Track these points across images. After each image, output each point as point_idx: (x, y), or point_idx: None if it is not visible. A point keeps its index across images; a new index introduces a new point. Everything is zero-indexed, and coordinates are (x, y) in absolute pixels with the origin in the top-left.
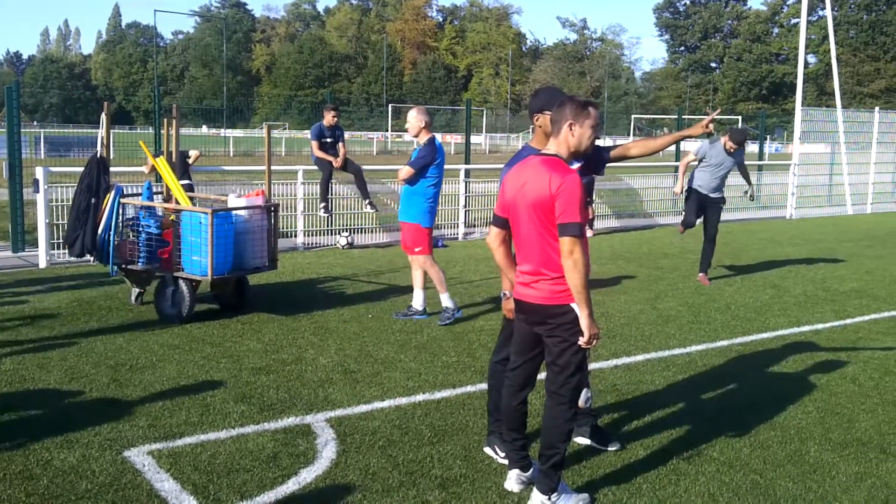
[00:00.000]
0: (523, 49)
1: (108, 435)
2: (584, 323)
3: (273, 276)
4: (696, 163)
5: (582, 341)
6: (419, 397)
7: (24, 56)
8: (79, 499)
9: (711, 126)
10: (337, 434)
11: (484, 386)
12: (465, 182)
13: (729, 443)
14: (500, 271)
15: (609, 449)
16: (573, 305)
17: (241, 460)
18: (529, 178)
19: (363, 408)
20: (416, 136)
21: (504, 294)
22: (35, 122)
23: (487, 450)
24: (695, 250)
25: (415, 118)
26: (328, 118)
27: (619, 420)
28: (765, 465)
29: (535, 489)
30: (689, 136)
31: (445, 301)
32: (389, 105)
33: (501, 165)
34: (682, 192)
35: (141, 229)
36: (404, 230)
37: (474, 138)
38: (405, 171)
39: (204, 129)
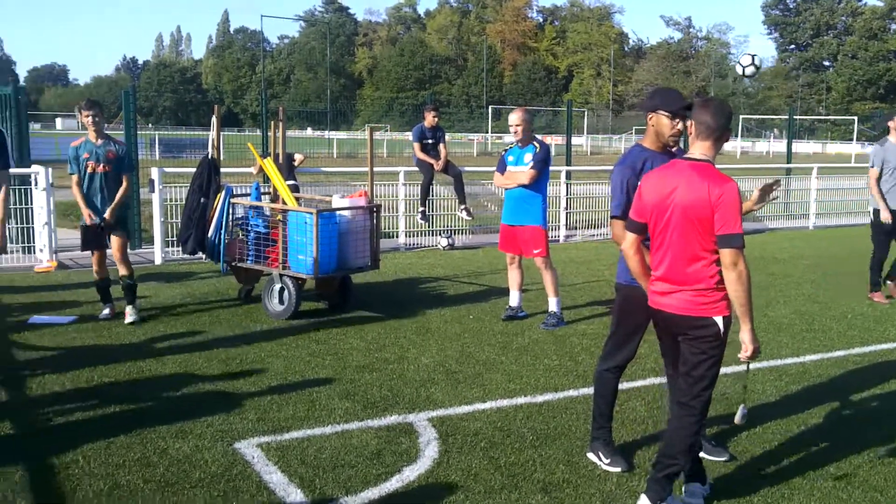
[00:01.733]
0: (625, 49)
1: (220, 426)
2: (747, 337)
3: (375, 275)
4: (879, 173)
5: (744, 355)
6: (521, 400)
7: (140, 61)
8: (192, 487)
9: (773, 194)
10: (439, 434)
11: (587, 390)
12: (566, 184)
13: (847, 458)
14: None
15: (719, 460)
16: (716, 319)
17: (345, 456)
18: (681, 184)
19: (465, 408)
20: (523, 136)
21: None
22: (150, 125)
23: (591, 455)
24: (807, 255)
25: (523, 119)
26: (429, 119)
27: (730, 430)
28: (886, 483)
29: (643, 495)
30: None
31: (553, 305)
32: (489, 106)
33: (603, 167)
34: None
35: (250, 228)
36: (522, 233)
37: (575, 140)
38: (530, 173)
39: (308, 131)
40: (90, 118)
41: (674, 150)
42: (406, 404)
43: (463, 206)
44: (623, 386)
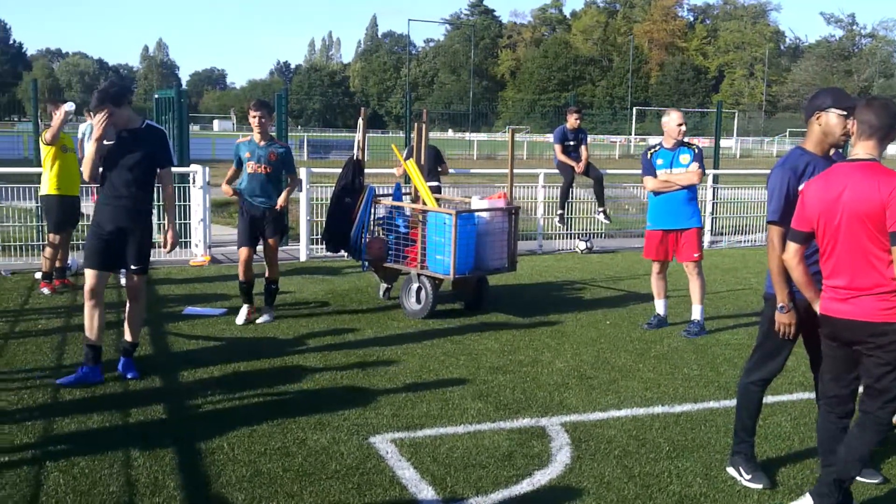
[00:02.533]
0: (781, 48)
1: (356, 420)
2: None
3: (512, 277)
4: None
5: None
6: (658, 409)
7: (292, 66)
8: (328, 478)
9: None
10: (571, 439)
11: (728, 402)
12: (713, 188)
13: None
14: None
15: (871, 482)
16: None
17: (477, 456)
18: (848, 185)
19: (599, 415)
20: (682, 137)
21: (781, 307)
22: (299, 127)
23: (731, 470)
24: None
25: (682, 120)
26: (571, 121)
27: (882, 451)
28: None
29: (809, 494)
30: None
31: (698, 313)
32: (633, 108)
33: (753, 171)
34: None
35: (391, 228)
36: (681, 237)
37: (724, 142)
38: (699, 173)
39: (450, 132)
40: (256, 119)
41: (832, 154)
42: (539, 408)
43: (601, 209)
44: (768, 399)
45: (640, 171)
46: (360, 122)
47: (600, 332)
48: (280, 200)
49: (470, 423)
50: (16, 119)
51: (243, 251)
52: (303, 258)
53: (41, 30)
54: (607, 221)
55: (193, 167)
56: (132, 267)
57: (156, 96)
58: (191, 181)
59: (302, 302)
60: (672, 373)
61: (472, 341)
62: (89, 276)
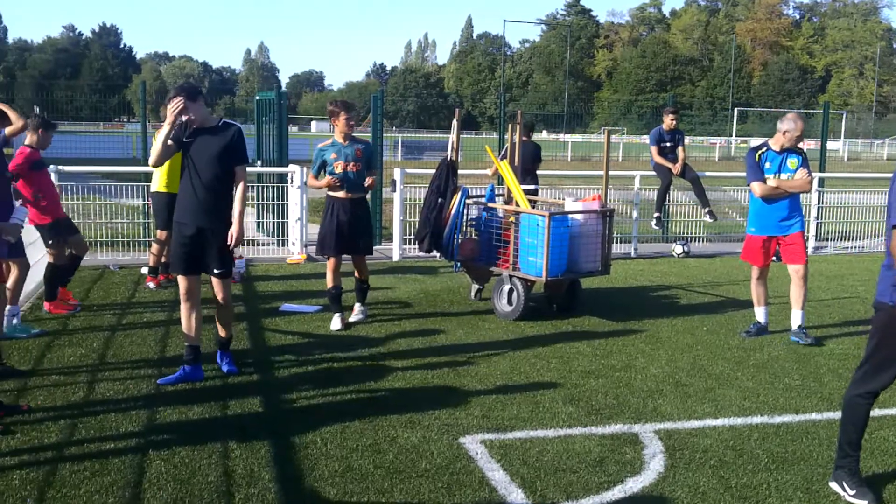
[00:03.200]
0: (894, 46)
1: (446, 420)
2: None
3: (605, 280)
4: None
5: None
6: (756, 419)
7: (388, 67)
8: (418, 476)
9: None
10: (665, 447)
11: (831, 414)
12: (819, 192)
13: None
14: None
15: None
16: None
17: (567, 461)
18: None
19: (694, 423)
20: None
21: None
22: (394, 128)
23: (833, 485)
24: None
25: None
26: (667, 122)
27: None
28: None
29: None
30: None
31: (801, 318)
32: (734, 109)
33: (862, 175)
34: None
35: (483, 229)
36: (789, 242)
37: (830, 144)
38: (809, 180)
39: (544, 133)
40: (344, 120)
41: None
42: (632, 414)
43: (707, 209)
44: (875, 413)
45: (739, 174)
46: (455, 123)
47: (696, 339)
48: (368, 182)
49: (561, 426)
50: (125, 120)
51: (332, 261)
52: (395, 258)
53: (150, 34)
54: (713, 220)
55: (292, 167)
56: (215, 271)
57: (256, 98)
58: (289, 181)
59: (394, 301)
60: (772, 382)
61: (563, 344)
62: (180, 280)
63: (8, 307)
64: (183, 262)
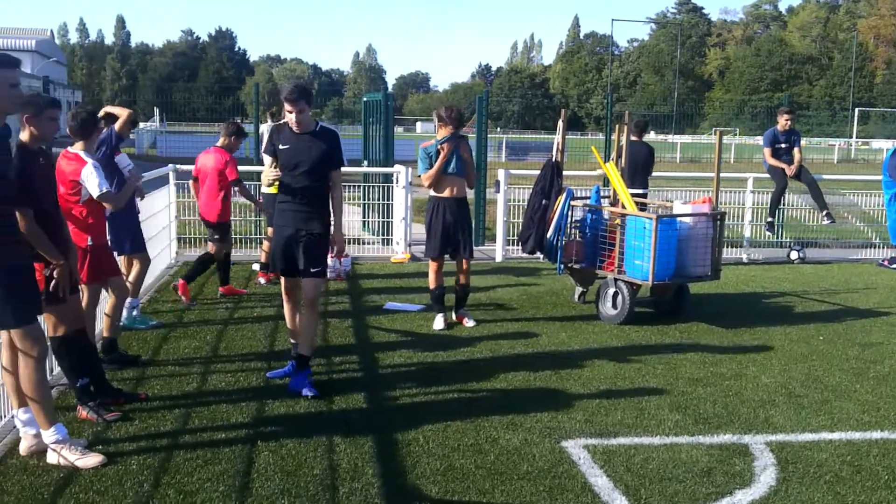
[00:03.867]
0: None
1: (548, 423)
2: None
3: (714, 286)
4: None
5: None
6: (876, 434)
7: (493, 68)
8: (520, 479)
9: None
10: (777, 460)
11: None
12: None
13: None
14: None
15: None
16: None
17: (673, 469)
18: None
19: (808, 436)
20: None
21: None
22: (498, 128)
23: None
24: None
25: None
26: (781, 122)
27: None
28: None
29: None
30: None
31: None
32: (856, 109)
33: None
34: None
35: (587, 231)
36: None
37: None
38: None
39: (652, 134)
40: (449, 121)
41: None
42: (742, 424)
43: (825, 212)
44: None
45: (861, 177)
46: (560, 123)
47: (812, 349)
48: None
49: (667, 434)
50: (239, 121)
51: (436, 261)
52: (498, 259)
53: (263, 38)
54: (831, 222)
55: (397, 167)
56: (310, 270)
57: (364, 99)
58: (394, 181)
59: (496, 302)
60: (894, 395)
61: (670, 350)
62: (282, 280)
63: (129, 300)
64: (282, 262)
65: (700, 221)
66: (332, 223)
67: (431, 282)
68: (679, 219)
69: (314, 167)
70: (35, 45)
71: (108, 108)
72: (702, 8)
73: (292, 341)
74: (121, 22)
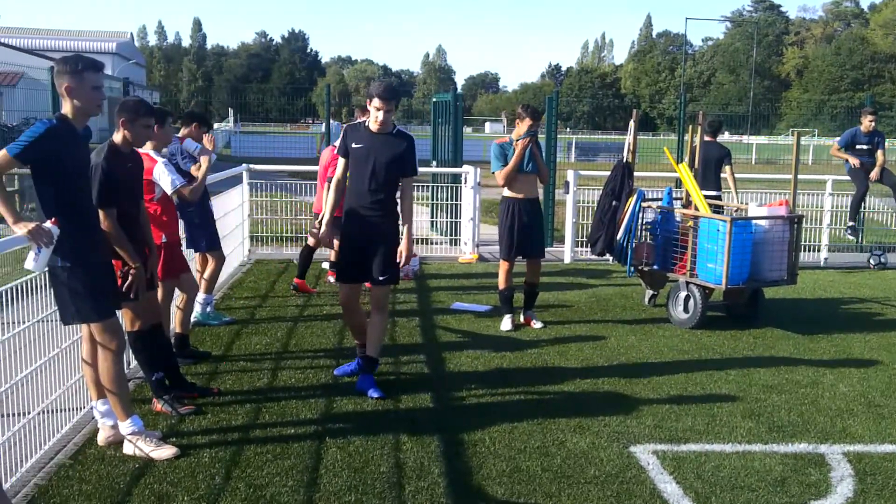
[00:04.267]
0: None
1: (616, 427)
2: None
3: (791, 290)
4: None
5: None
6: None
7: (563, 68)
8: (587, 483)
9: None
10: (855, 471)
11: None
12: None
13: None
14: None
15: None
16: None
17: (745, 478)
18: None
19: (889, 447)
20: None
21: None
22: (567, 129)
23: None
24: None
25: None
26: (865, 123)
27: None
28: None
29: None
30: None
31: None
32: None
33: None
34: None
35: (659, 233)
36: None
37: None
38: None
39: (726, 135)
40: (527, 120)
41: None
42: (818, 433)
43: None
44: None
45: None
46: (632, 123)
47: (893, 357)
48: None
49: (739, 442)
50: (310, 121)
51: (506, 263)
52: (567, 260)
53: (334, 39)
54: None
55: (466, 168)
56: (379, 278)
57: (433, 100)
58: (463, 181)
59: (564, 304)
60: None
61: (743, 356)
62: (341, 288)
63: (203, 296)
64: (347, 270)
65: (776, 224)
66: (405, 231)
67: (501, 282)
68: (754, 221)
69: (387, 169)
70: (116, 47)
71: (195, 171)
72: (779, 6)
73: (358, 342)
74: (197, 24)
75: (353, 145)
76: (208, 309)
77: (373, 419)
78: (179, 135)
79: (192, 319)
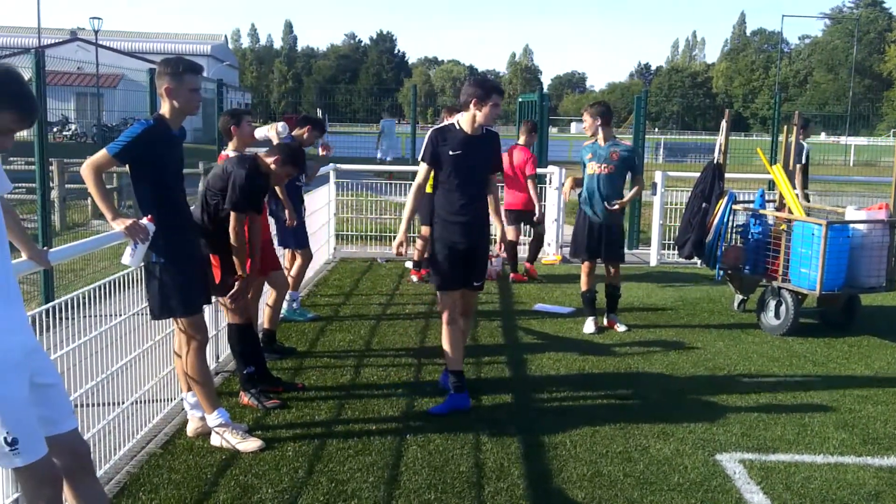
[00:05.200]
0: None
1: (702, 434)
2: None
3: (890, 297)
4: None
5: None
6: None
7: (652, 67)
8: (670, 490)
9: None
10: None
11: None
12: None
13: None
14: None
15: None
16: None
17: (837, 491)
18: None
19: None
20: None
21: None
22: (656, 129)
23: None
24: None
25: None
26: None
27: None
28: None
29: None
30: None
31: None
32: None
33: None
34: None
35: (750, 236)
36: None
37: None
38: None
39: (822, 136)
40: (591, 120)
41: None
42: None
43: None
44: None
45: None
46: (724, 124)
47: None
48: (619, 202)
49: (831, 453)
50: (396, 122)
51: (587, 265)
52: (653, 263)
53: (421, 40)
54: None
55: (550, 168)
56: (474, 283)
57: (519, 100)
58: (547, 182)
59: (650, 307)
60: None
61: (837, 364)
62: (444, 299)
63: (289, 293)
64: (450, 280)
65: (875, 229)
66: (498, 228)
67: (583, 284)
68: (852, 225)
69: (484, 171)
70: (210, 49)
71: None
72: (882, 2)
73: (451, 369)
74: (288, 27)
75: (451, 152)
76: (294, 305)
77: (453, 418)
78: (294, 133)
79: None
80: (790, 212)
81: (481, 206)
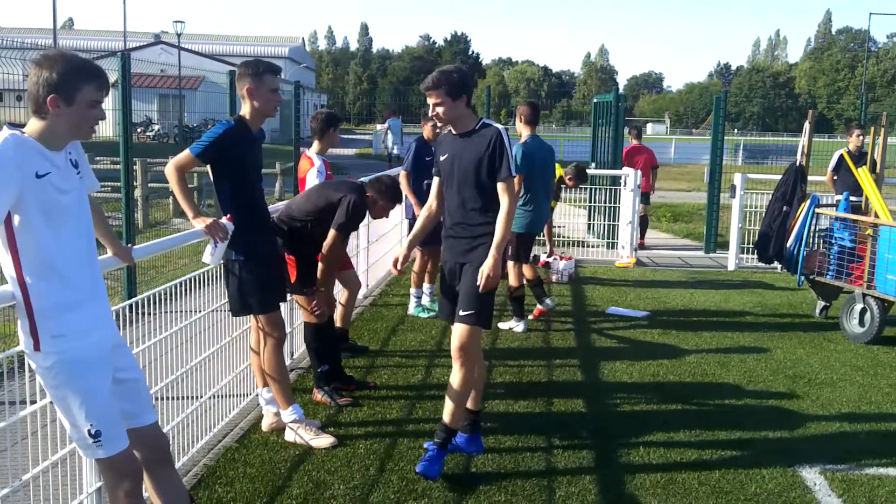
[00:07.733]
0: None
1: (781, 444)
2: None
3: None
4: None
5: None
6: None
7: (732, 67)
8: (746, 500)
9: None
10: None
11: None
12: None
13: None
14: None
15: None
16: None
17: None
18: None
19: None
20: None
21: None
22: (735, 130)
23: None
24: None
25: None
26: None
27: None
28: None
29: None
30: None
31: None
32: None
33: None
34: None
35: (833, 241)
36: None
37: None
38: None
39: None
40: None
41: None
42: None
43: None
44: None
45: None
46: (807, 125)
47: None
48: None
49: None
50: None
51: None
52: (731, 267)
53: (496, 41)
54: None
55: (625, 170)
56: (460, 313)
57: (594, 101)
58: (622, 183)
59: (728, 312)
60: None
61: None
62: (455, 331)
63: (413, 290)
64: (444, 307)
65: None
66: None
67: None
68: None
69: (468, 177)
70: (288, 52)
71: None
72: None
73: (470, 407)
74: (364, 29)
75: (441, 157)
76: (423, 300)
77: (525, 421)
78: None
79: (409, 312)
80: (876, 216)
81: (471, 221)
